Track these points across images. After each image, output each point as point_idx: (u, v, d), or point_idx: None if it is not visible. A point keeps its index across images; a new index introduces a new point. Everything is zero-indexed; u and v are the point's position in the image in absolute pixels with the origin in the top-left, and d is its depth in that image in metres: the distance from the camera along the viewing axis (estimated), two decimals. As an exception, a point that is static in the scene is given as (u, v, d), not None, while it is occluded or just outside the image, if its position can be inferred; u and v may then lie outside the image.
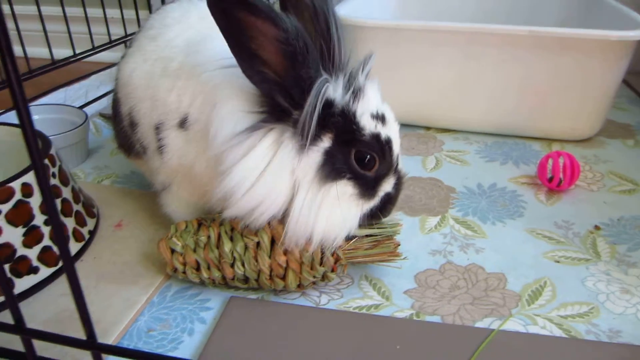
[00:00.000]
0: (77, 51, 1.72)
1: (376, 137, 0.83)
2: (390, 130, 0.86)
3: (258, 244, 0.89)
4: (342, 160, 0.82)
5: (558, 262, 1.03)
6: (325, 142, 0.81)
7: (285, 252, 0.88)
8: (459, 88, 1.52)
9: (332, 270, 0.91)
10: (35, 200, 0.94)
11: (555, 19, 1.86)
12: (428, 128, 1.64)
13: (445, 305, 0.92)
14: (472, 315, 0.90)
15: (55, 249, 0.97)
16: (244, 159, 0.79)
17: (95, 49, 1.79)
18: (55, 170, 1.02)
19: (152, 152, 0.98)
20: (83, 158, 1.45)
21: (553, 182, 1.26)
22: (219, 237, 0.91)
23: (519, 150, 1.49)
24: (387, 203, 0.91)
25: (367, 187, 0.85)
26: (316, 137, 0.80)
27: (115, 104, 1.07)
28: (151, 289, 0.96)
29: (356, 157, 0.82)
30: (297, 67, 0.74)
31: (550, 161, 1.28)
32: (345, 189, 0.83)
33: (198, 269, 0.92)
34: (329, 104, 0.79)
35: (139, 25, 2.03)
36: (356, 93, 0.82)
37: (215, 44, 0.86)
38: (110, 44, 1.88)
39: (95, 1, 1.83)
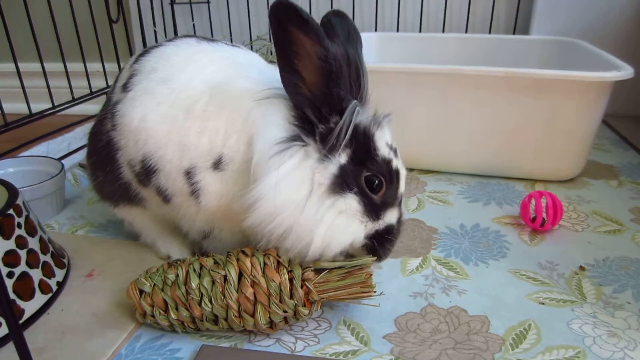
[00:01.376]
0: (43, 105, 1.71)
1: (388, 162, 0.89)
2: (400, 165, 0.93)
3: (225, 278, 0.87)
4: (353, 177, 0.87)
5: (543, 303, 0.99)
6: (343, 158, 0.86)
7: (253, 284, 0.86)
8: (440, 129, 1.52)
9: (304, 305, 0.88)
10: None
11: (536, 61, 1.87)
12: (411, 169, 1.63)
13: (426, 350, 0.88)
14: (453, 361, 0.86)
15: (18, 302, 0.93)
16: (274, 172, 0.83)
17: (74, 101, 1.79)
18: (22, 220, 0.99)
19: (185, 197, 0.97)
20: (59, 209, 1.42)
21: (536, 222, 1.24)
22: (187, 274, 0.90)
23: (502, 191, 1.47)
24: (388, 239, 0.92)
25: (372, 209, 0.88)
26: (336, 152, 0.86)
27: (108, 152, 1.03)
28: (119, 340, 0.92)
29: (367, 178, 0.87)
30: (330, 85, 0.82)
31: (532, 201, 1.26)
32: (351, 202, 0.86)
33: (166, 310, 0.89)
34: (354, 124, 0.86)
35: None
36: (377, 123, 0.90)
37: (239, 84, 0.93)
38: (91, 95, 1.88)
39: (75, 55, 1.84)
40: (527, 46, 1.92)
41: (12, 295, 0.92)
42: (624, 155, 1.74)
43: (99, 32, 1.93)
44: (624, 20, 1.98)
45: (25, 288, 0.95)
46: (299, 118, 0.86)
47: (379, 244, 0.91)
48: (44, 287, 0.99)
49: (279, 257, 0.89)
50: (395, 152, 0.92)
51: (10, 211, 0.97)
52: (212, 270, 0.89)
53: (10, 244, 0.94)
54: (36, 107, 1.64)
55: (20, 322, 0.93)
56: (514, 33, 2.11)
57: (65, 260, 1.11)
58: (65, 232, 1.31)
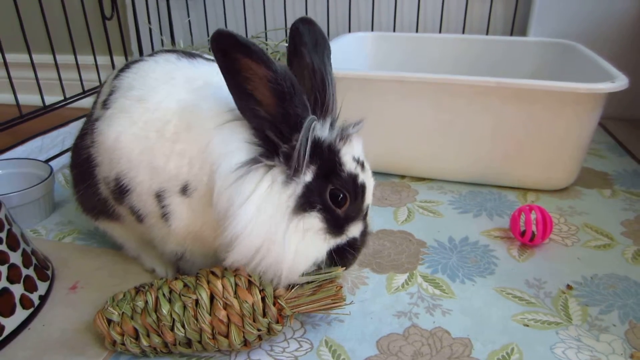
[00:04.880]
0: (47, 98, 1.70)
1: (353, 177, 0.89)
2: (367, 178, 0.93)
3: (197, 302, 0.87)
4: (317, 194, 0.86)
5: (527, 325, 0.98)
6: (308, 176, 0.86)
7: (225, 307, 0.86)
8: (432, 137, 1.50)
9: (278, 322, 0.88)
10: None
11: (532, 63, 1.86)
12: (403, 177, 1.62)
13: (407, 376, 0.88)
14: (434, 387, 0.86)
15: (-2, 319, 0.92)
16: (244, 209, 0.82)
17: (84, 93, 1.78)
18: (3, 235, 0.98)
19: (155, 219, 0.96)
20: (47, 213, 1.41)
21: (526, 236, 1.22)
22: (157, 300, 0.88)
23: (493, 201, 1.46)
24: (351, 250, 0.93)
25: (335, 224, 0.89)
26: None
27: (87, 167, 1.02)
28: (100, 358, 0.91)
29: (331, 192, 0.87)
30: (285, 105, 0.81)
31: (522, 215, 1.25)
32: (314, 221, 0.86)
33: (137, 337, 0.88)
34: (316, 140, 0.86)
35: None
36: (344, 137, 0.90)
37: (206, 106, 0.91)
38: (84, 93, 1.86)
39: (66, 47, 1.83)
40: (523, 48, 1.91)
41: (-10, 313, 0.92)
42: (619, 161, 1.72)
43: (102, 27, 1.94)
44: (622, 24, 1.95)
45: (5, 304, 0.95)
46: (262, 139, 0.86)
47: (341, 256, 0.92)
48: (26, 302, 0.99)
49: (250, 277, 0.88)
50: (362, 165, 0.92)
51: (-8, 226, 0.96)
52: (182, 294, 0.88)
53: (-10, 260, 0.94)
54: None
55: (0, 338, 0.92)
56: (511, 34, 2.09)
57: (49, 272, 1.11)
58: (52, 239, 1.31)
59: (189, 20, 2.37)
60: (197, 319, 0.86)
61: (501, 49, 1.92)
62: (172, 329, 0.87)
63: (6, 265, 0.97)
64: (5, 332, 0.94)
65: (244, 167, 0.83)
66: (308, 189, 0.85)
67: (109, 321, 0.89)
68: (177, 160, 0.90)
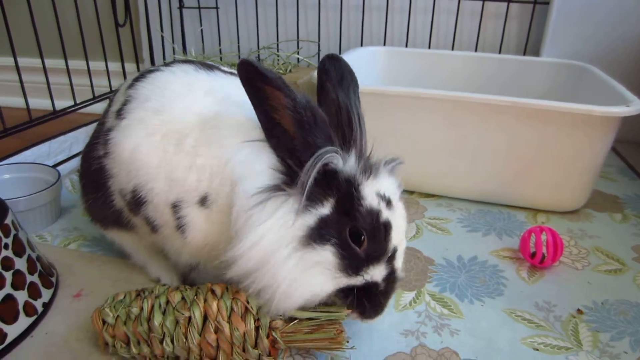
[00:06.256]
0: (58, 103, 1.70)
1: (375, 214, 0.82)
2: (393, 216, 0.85)
3: (190, 319, 0.85)
4: (336, 228, 0.81)
5: (537, 349, 0.97)
6: (325, 209, 0.82)
7: (217, 331, 0.84)
8: (443, 154, 1.49)
9: (269, 354, 0.85)
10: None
11: (544, 83, 1.85)
12: (411, 192, 1.61)
13: (413, 398, 0.86)
14: (441, 410, 0.84)
15: (1, 325, 0.91)
16: (254, 231, 0.80)
17: (76, 105, 1.78)
18: (9, 240, 0.97)
19: (171, 231, 0.96)
20: (53, 219, 1.41)
21: (536, 258, 1.21)
22: (152, 310, 0.87)
23: (502, 221, 1.44)
24: (372, 298, 0.85)
25: (351, 263, 0.82)
26: (317, 201, 0.82)
27: (100, 178, 1.02)
28: (101, 370, 0.90)
29: (351, 230, 0.82)
30: (305, 134, 0.81)
31: (532, 236, 1.23)
32: (326, 255, 0.81)
33: (128, 343, 0.87)
34: (333, 172, 0.82)
35: (124, 79, 2.02)
36: (368, 171, 0.85)
37: (228, 121, 0.91)
38: (95, 99, 1.87)
39: (77, 53, 1.83)
40: (536, 68, 1.90)
41: (-5, 318, 0.91)
42: (629, 185, 1.70)
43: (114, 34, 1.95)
44: (636, 48, 1.94)
45: (9, 311, 0.94)
46: (285, 165, 0.85)
47: (358, 300, 0.84)
48: (29, 309, 0.98)
49: (248, 303, 0.85)
50: (388, 202, 0.86)
51: (-3, 231, 0.95)
52: (177, 310, 0.86)
53: (-5, 266, 0.93)
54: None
55: (3, 346, 0.91)
56: (524, 54, 2.08)
57: (54, 279, 1.10)
58: (58, 245, 1.30)
59: (201, 30, 2.37)
60: (186, 337, 0.84)
61: (514, 68, 1.92)
62: (161, 342, 0.85)
63: (11, 272, 0.96)
64: (8, 340, 0.92)
65: (265, 193, 0.82)
66: (324, 221, 0.81)
67: (104, 322, 0.88)
68: (198, 173, 0.90)
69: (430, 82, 1.93)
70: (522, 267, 1.23)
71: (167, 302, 0.88)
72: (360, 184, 0.83)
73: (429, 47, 2.17)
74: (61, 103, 1.70)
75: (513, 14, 2.07)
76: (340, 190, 0.83)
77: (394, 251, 0.86)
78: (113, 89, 1.95)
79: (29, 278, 1.00)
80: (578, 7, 1.93)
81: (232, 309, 0.85)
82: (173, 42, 2.38)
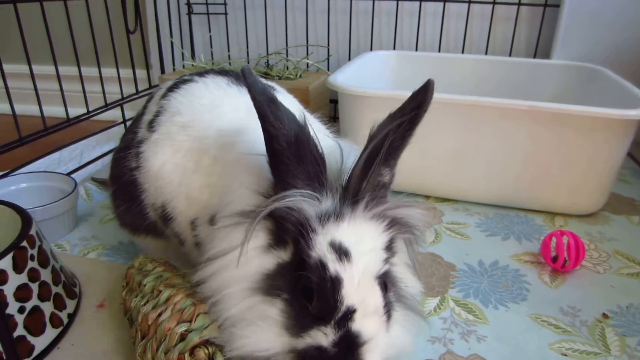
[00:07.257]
0: (69, 110, 1.70)
1: (321, 266, 0.69)
2: (347, 273, 0.68)
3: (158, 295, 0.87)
4: (289, 280, 0.71)
5: (565, 355, 0.96)
6: (286, 254, 0.73)
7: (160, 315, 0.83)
8: (459, 158, 1.49)
9: None
10: (10, 288, 0.89)
11: (555, 86, 1.84)
12: (427, 197, 1.60)
13: (445, 406, 0.86)
14: (474, 418, 0.84)
15: (29, 338, 0.91)
16: (217, 260, 0.76)
17: (89, 113, 1.78)
18: (35, 252, 0.97)
19: (191, 246, 0.97)
20: (71, 228, 1.40)
21: (558, 262, 1.20)
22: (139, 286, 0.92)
23: (520, 224, 1.44)
24: None
25: (297, 323, 0.70)
26: (280, 243, 0.73)
27: (133, 189, 1.02)
28: (129, 382, 0.90)
29: (304, 284, 0.70)
30: (281, 168, 0.73)
31: (553, 240, 1.23)
32: (271, 311, 0.71)
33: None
34: (296, 212, 0.71)
35: (135, 86, 2.02)
36: (336, 217, 0.72)
37: (241, 143, 0.87)
38: (107, 106, 1.86)
39: (88, 60, 1.83)
40: (547, 70, 1.90)
41: (23, 331, 0.90)
42: (644, 187, 1.70)
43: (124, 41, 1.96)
44: (648, 49, 1.94)
45: (36, 323, 0.93)
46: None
47: None
48: (55, 321, 0.97)
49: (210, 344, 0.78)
50: (345, 254, 0.69)
51: (24, 243, 0.95)
52: (162, 282, 0.90)
53: (22, 278, 0.93)
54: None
55: (31, 358, 0.91)
56: (534, 57, 2.08)
57: (77, 289, 1.09)
58: (77, 254, 1.29)
59: (210, 36, 2.37)
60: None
61: (525, 71, 1.92)
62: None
63: (37, 283, 0.95)
64: (36, 352, 0.92)
65: (234, 218, 0.75)
66: (281, 268, 0.72)
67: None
68: (210, 192, 0.90)
69: (441, 86, 1.89)
70: (544, 271, 1.22)
71: (160, 276, 0.91)
72: (315, 231, 0.70)
73: (439, 51, 2.16)
74: (72, 110, 1.69)
75: (523, 16, 2.07)
76: (295, 238, 0.72)
77: (351, 311, 0.68)
78: (124, 95, 1.96)
79: (54, 289, 1.00)
80: (588, 9, 1.92)
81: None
82: (182, 47, 2.38)
